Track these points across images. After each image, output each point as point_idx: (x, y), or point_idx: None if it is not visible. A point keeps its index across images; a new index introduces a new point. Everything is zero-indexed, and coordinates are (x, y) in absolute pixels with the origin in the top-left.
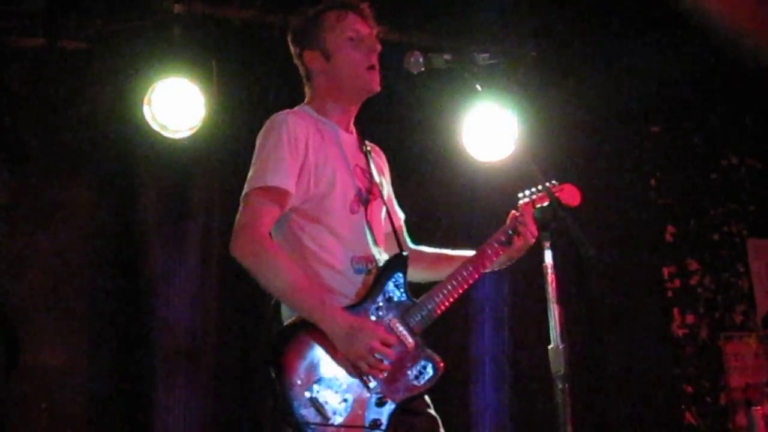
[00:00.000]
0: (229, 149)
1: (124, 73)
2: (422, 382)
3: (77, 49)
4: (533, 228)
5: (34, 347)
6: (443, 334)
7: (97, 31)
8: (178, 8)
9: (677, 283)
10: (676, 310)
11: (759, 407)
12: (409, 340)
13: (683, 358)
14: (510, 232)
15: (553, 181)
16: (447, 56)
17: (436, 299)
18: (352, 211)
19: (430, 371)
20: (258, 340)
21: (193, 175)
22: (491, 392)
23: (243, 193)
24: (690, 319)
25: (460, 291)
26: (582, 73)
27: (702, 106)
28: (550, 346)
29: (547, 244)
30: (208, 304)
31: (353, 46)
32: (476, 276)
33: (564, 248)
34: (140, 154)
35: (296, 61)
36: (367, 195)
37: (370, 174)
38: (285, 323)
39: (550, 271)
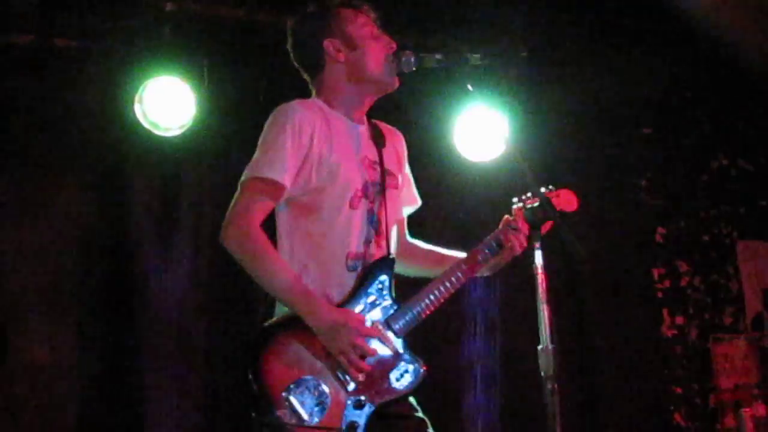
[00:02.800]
0: (219, 147)
1: (116, 71)
2: (403, 385)
3: (69, 46)
4: (524, 235)
5: (23, 345)
6: (433, 329)
7: (89, 29)
8: (169, 7)
9: (667, 284)
10: (665, 311)
11: (748, 409)
12: (392, 342)
13: (672, 359)
14: (501, 237)
15: (550, 186)
16: (438, 56)
17: (422, 303)
18: (353, 206)
19: (411, 374)
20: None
21: (183, 173)
22: (482, 389)
23: (241, 178)
24: (679, 320)
25: (447, 295)
26: (573, 74)
27: (693, 108)
28: (539, 347)
29: (537, 245)
30: (198, 302)
31: (375, 40)
32: (464, 280)
33: (554, 249)
34: (131, 152)
35: (300, 53)
36: (378, 188)
37: (382, 165)
38: (266, 323)
39: (540, 271)
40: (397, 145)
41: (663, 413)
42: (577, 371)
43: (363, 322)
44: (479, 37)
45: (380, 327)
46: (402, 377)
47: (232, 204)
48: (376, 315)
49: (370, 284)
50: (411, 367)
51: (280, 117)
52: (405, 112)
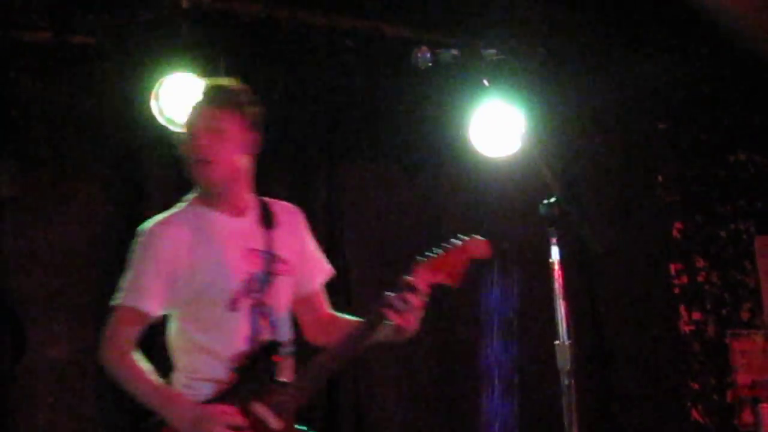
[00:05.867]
0: None
1: (132, 68)
2: None
3: (85, 43)
4: (423, 295)
5: (40, 342)
6: (451, 329)
7: (105, 26)
8: (186, 3)
9: (684, 279)
10: (682, 307)
11: (765, 405)
12: (272, 422)
13: (689, 355)
14: (383, 309)
15: (460, 236)
16: (455, 52)
17: (306, 381)
18: (233, 308)
19: None
20: None
21: None
22: (499, 384)
23: (112, 300)
24: (697, 316)
25: (336, 368)
26: (589, 69)
27: (710, 103)
28: (556, 342)
29: (554, 241)
30: None
31: None
32: (350, 355)
33: (571, 244)
34: (147, 148)
35: None
36: (266, 277)
37: (271, 252)
38: (144, 423)
39: (556, 267)
40: (293, 223)
41: (680, 409)
42: (594, 367)
43: (225, 411)
44: (495, 33)
45: (260, 408)
46: None
47: (106, 324)
48: (257, 397)
49: (253, 368)
50: None
51: (141, 241)
52: (421, 107)
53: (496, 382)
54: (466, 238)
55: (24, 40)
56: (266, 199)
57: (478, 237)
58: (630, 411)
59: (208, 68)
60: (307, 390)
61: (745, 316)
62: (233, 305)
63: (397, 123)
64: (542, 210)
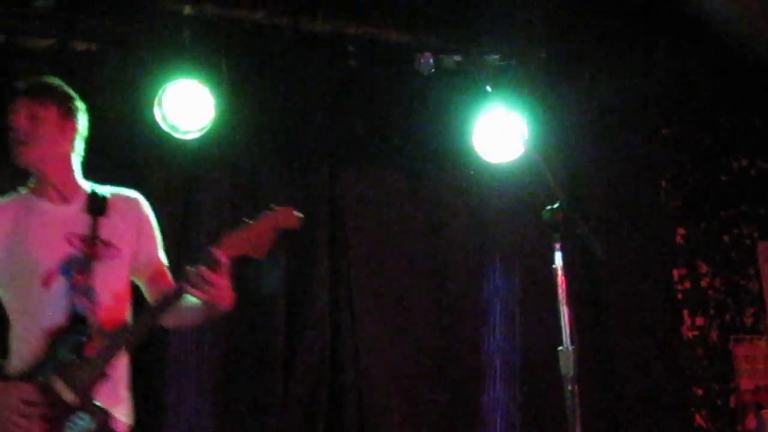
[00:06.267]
0: (238, 150)
1: (135, 75)
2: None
3: (88, 50)
4: (226, 270)
5: None
6: (454, 335)
7: (108, 33)
8: (188, 10)
9: (687, 285)
10: (686, 312)
11: None
12: (68, 395)
13: (693, 360)
14: (184, 284)
15: (272, 205)
16: (457, 58)
17: (103, 357)
18: (46, 285)
19: (82, 422)
20: (266, 332)
21: (202, 176)
22: (501, 390)
23: None
24: (700, 321)
25: (134, 341)
26: (591, 75)
27: (712, 108)
28: (559, 348)
29: (557, 246)
30: None
31: None
32: (150, 327)
33: (574, 250)
34: (150, 154)
35: None
36: (86, 260)
37: (95, 237)
38: None
39: (559, 272)
40: (127, 210)
41: (684, 414)
42: (597, 372)
43: (20, 387)
44: (498, 39)
45: (57, 382)
46: (75, 425)
47: None
48: (55, 373)
49: (58, 346)
50: (87, 416)
51: None
52: (424, 113)
53: (499, 387)
54: (275, 207)
55: (27, 47)
56: (103, 187)
57: (287, 207)
58: (633, 416)
59: (210, 74)
60: (104, 364)
61: (748, 321)
62: (46, 282)
63: (400, 129)
64: (545, 216)
